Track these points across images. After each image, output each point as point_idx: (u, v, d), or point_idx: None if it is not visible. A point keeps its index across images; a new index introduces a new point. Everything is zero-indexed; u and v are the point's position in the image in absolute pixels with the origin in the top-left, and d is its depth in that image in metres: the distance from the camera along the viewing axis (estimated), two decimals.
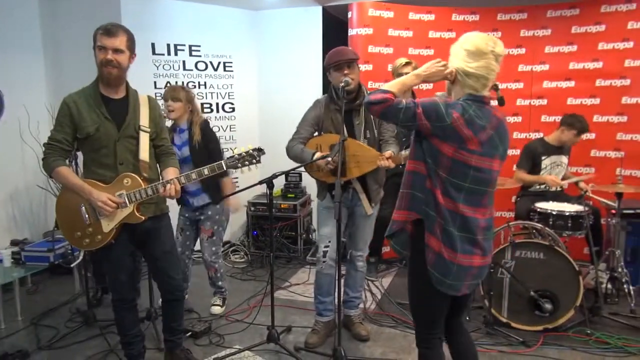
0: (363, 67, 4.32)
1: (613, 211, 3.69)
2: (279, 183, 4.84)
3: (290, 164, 2.98)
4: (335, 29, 5.07)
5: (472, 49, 1.85)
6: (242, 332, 3.25)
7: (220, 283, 3.57)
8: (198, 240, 3.53)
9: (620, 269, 3.59)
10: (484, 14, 4.63)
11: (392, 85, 1.93)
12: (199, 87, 4.84)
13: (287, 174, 3.87)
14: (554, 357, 2.87)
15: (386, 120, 1.95)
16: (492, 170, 1.89)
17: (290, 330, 3.25)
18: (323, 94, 4.87)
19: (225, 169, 2.47)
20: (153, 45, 4.58)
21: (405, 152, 2.82)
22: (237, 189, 3.27)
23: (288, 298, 3.82)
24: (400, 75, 3.97)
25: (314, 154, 2.86)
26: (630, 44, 4.22)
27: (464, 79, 1.87)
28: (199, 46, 4.82)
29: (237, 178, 4.90)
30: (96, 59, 2.36)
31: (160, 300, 2.75)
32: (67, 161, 2.47)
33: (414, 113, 1.82)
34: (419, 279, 1.98)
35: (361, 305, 3.35)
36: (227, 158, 2.50)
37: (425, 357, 2.06)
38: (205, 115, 4.55)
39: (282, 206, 4.68)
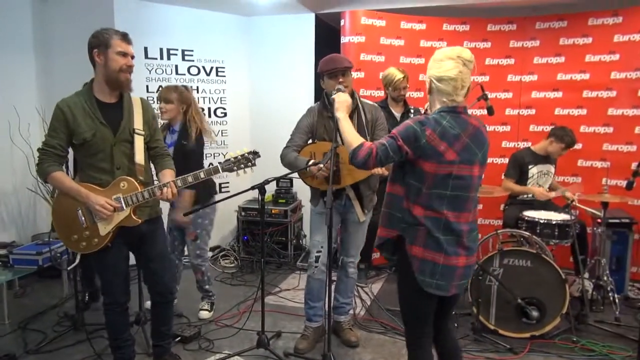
0: (355, 75, 4.36)
1: (599, 220, 3.76)
2: (270, 188, 4.81)
3: (282, 169, 2.99)
4: (327, 36, 5.12)
5: (440, 56, 1.99)
6: (232, 337, 3.25)
7: (207, 287, 3.56)
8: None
9: (605, 278, 3.65)
10: (474, 24, 4.71)
11: (354, 136, 2.10)
12: (192, 92, 4.83)
13: (278, 179, 3.90)
14: None
15: (386, 164, 2.05)
16: (473, 176, 1.99)
17: (280, 335, 3.26)
18: (315, 100, 4.95)
19: (221, 171, 2.49)
20: (146, 49, 4.58)
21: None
22: (228, 195, 3.27)
23: (278, 303, 3.83)
24: (399, 89, 4.01)
25: (308, 162, 2.88)
26: (616, 57, 4.31)
27: (437, 85, 1.97)
28: (192, 51, 4.83)
29: (228, 183, 4.92)
30: (112, 63, 2.35)
31: (149, 303, 2.75)
32: (62, 166, 2.47)
33: (397, 146, 1.93)
34: (407, 284, 2.05)
35: (351, 312, 3.37)
36: (224, 161, 2.52)
37: (416, 358, 2.12)
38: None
39: (273, 211, 4.69)
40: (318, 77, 4.45)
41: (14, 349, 3.04)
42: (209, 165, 2.55)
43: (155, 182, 2.56)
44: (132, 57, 2.43)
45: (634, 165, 3.50)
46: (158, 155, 2.63)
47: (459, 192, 1.96)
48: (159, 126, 2.73)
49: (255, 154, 2.53)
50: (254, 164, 2.53)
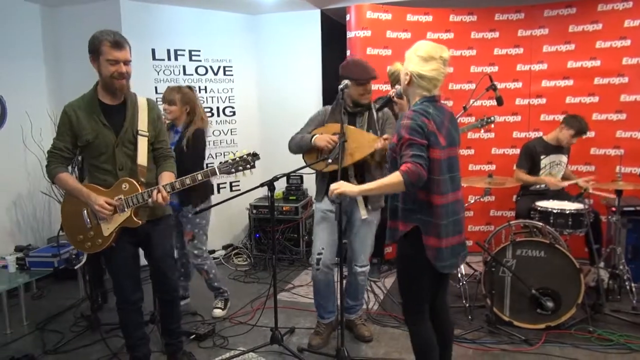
0: None
1: (613, 209, 3.71)
2: (281, 185, 4.86)
3: (292, 166, 3.00)
4: (333, 32, 5.11)
5: (424, 55, 2.08)
6: (246, 334, 3.27)
7: (216, 284, 3.57)
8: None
9: (621, 267, 3.60)
10: (482, 14, 4.66)
11: (387, 180, 2.01)
12: (200, 92, 4.86)
13: (288, 176, 3.91)
14: (557, 354, 2.88)
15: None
16: (457, 157, 2.20)
17: (294, 331, 3.27)
18: (323, 95, 4.95)
19: (218, 174, 2.49)
20: (153, 50, 4.62)
21: None
22: (238, 192, 3.29)
23: (291, 300, 3.84)
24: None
25: (313, 135, 2.88)
26: (627, 42, 4.24)
27: (418, 81, 2.10)
28: (199, 51, 4.86)
29: (238, 181, 4.94)
30: (104, 70, 2.36)
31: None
32: (68, 168, 2.52)
33: (420, 144, 1.99)
34: (416, 268, 2.16)
35: (363, 307, 3.37)
36: (220, 163, 2.52)
37: (419, 333, 2.25)
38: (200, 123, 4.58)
39: (284, 208, 4.70)
40: (325, 73, 4.47)
41: (32, 350, 3.09)
42: (207, 167, 2.55)
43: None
44: (127, 62, 2.38)
45: None
46: (161, 156, 2.64)
47: (454, 172, 2.15)
48: (165, 127, 2.74)
49: (255, 155, 2.53)
50: (253, 166, 2.53)
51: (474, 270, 4.00)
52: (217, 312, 3.54)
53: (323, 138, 2.85)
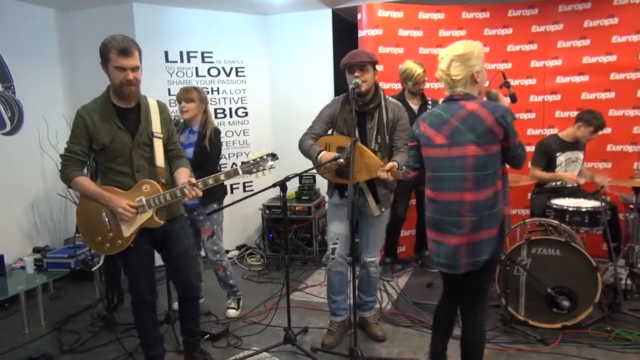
0: None
1: (631, 206, 3.64)
2: (293, 185, 4.88)
3: (304, 166, 3.00)
4: (345, 31, 5.10)
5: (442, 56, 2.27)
6: (259, 333, 3.28)
7: (231, 282, 3.59)
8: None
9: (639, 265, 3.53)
10: (495, 11, 4.61)
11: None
12: (212, 93, 4.90)
13: (300, 176, 3.92)
14: (573, 354, 2.84)
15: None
16: (466, 156, 2.14)
17: (307, 331, 3.28)
18: (335, 95, 4.92)
19: (241, 174, 2.51)
20: (166, 53, 4.66)
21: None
22: (251, 193, 3.30)
23: (304, 300, 3.85)
24: (419, 83, 3.98)
25: (320, 152, 2.88)
26: None
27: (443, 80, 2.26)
28: (211, 52, 4.89)
29: (251, 182, 4.97)
30: (112, 77, 2.38)
31: (177, 303, 2.80)
32: (84, 170, 2.54)
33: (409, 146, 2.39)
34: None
35: (377, 306, 3.36)
36: (242, 163, 2.55)
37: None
38: (217, 121, 4.63)
39: (296, 208, 4.71)
40: (337, 73, 4.47)
41: (50, 350, 3.14)
42: (232, 166, 2.57)
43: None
44: (135, 69, 2.38)
45: None
46: (175, 157, 2.67)
47: (456, 172, 2.17)
48: (175, 128, 2.77)
49: (274, 156, 2.54)
50: (272, 167, 2.54)
51: None
52: (231, 312, 3.56)
53: (327, 157, 2.84)
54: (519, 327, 3.11)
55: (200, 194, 2.48)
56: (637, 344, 2.90)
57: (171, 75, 4.71)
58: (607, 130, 4.20)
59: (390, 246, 4.28)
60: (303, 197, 4.84)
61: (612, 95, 4.33)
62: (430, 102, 4.12)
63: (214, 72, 4.92)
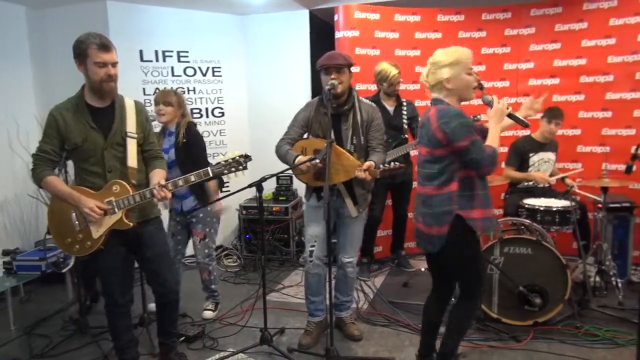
0: None
1: (599, 205, 3.75)
2: (270, 186, 4.87)
3: (281, 167, 3.01)
4: (322, 32, 5.11)
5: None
6: (236, 335, 3.26)
7: (213, 286, 3.57)
8: (190, 244, 3.54)
9: (607, 262, 3.64)
10: (469, 14, 4.69)
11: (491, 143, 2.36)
12: (188, 93, 4.86)
13: (278, 176, 3.91)
14: (544, 350, 2.91)
15: None
16: (421, 155, 2.42)
17: (284, 331, 3.27)
18: (312, 96, 4.95)
19: (211, 175, 2.49)
20: (141, 52, 4.60)
21: (392, 165, 2.84)
22: (227, 193, 3.29)
23: (281, 300, 3.84)
24: (394, 84, 4.01)
25: (296, 157, 2.89)
26: (612, 41, 4.28)
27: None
28: (187, 52, 4.84)
29: (228, 182, 4.93)
30: (92, 73, 2.34)
31: (154, 305, 2.76)
32: (55, 170, 2.50)
33: None
34: None
35: (353, 306, 3.38)
36: (214, 165, 2.52)
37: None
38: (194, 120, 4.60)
39: (273, 209, 4.70)
40: (314, 73, 4.49)
41: (20, 355, 3.07)
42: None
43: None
44: (115, 65, 2.37)
45: (633, 149, 3.48)
46: (151, 157, 2.64)
47: (420, 168, 2.45)
48: (153, 129, 2.73)
49: (247, 157, 2.52)
50: (245, 168, 2.53)
51: None
52: (208, 314, 3.53)
53: (313, 163, 2.83)
54: (492, 324, 3.16)
55: (169, 195, 2.44)
56: (605, 340, 2.99)
57: (146, 74, 4.65)
58: (577, 132, 4.32)
59: (366, 246, 4.31)
60: (280, 198, 4.83)
61: (581, 97, 4.45)
62: (405, 104, 4.16)
63: (190, 71, 4.88)
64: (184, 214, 3.40)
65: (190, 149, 3.29)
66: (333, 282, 3.10)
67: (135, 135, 2.52)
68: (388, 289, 3.98)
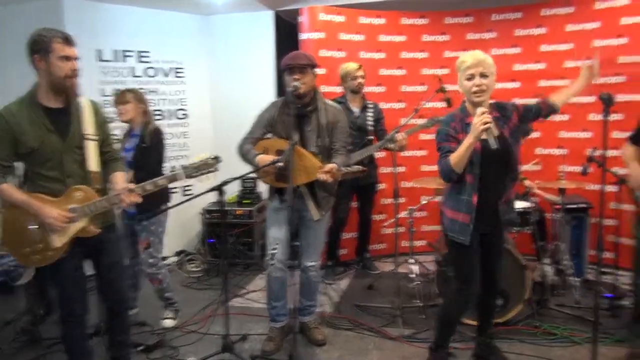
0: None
1: (557, 206, 3.84)
2: (235, 189, 4.80)
3: (245, 169, 2.96)
4: (287, 33, 5.08)
5: None
6: (197, 343, 3.19)
7: (168, 294, 3.46)
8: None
9: (565, 262, 3.73)
10: (433, 17, 4.75)
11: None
12: (150, 94, 4.73)
13: (241, 178, 3.85)
14: (505, 350, 2.94)
15: None
16: None
17: (246, 338, 3.21)
18: (277, 98, 4.89)
19: (184, 178, 2.42)
20: (99, 51, 4.45)
21: (355, 168, 2.82)
22: (189, 197, 3.21)
23: (244, 305, 3.78)
24: (356, 77, 4.02)
25: (257, 155, 2.87)
26: (569, 46, 4.41)
27: None
28: (148, 52, 4.72)
29: (191, 185, 4.83)
30: (56, 69, 2.22)
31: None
32: (8, 177, 2.32)
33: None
34: None
35: (317, 310, 3.35)
36: (184, 167, 2.45)
37: None
38: (157, 123, 4.50)
39: (237, 212, 4.63)
40: (279, 74, 4.45)
41: None
42: (171, 170, 2.48)
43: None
44: (76, 59, 2.29)
45: (588, 151, 3.57)
46: (110, 159, 2.53)
47: None
48: (110, 129, 2.63)
49: (216, 159, 2.47)
50: (216, 169, 2.47)
51: (427, 270, 4.05)
52: (167, 322, 3.43)
53: (264, 160, 2.83)
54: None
55: (139, 199, 2.36)
56: (563, 338, 3.05)
57: (105, 75, 4.50)
58: (536, 134, 4.42)
59: (331, 249, 4.30)
60: (244, 201, 4.76)
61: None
62: (371, 106, 4.17)
63: (151, 72, 4.76)
64: (130, 218, 3.28)
65: (150, 155, 3.21)
66: (297, 286, 3.08)
67: (95, 137, 2.40)
68: (353, 292, 3.97)
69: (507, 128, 2.50)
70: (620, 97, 3.94)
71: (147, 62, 4.72)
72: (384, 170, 4.51)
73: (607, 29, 4.22)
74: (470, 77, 2.41)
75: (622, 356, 2.81)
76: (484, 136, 2.29)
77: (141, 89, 4.53)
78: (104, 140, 2.49)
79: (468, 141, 2.31)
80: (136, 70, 4.67)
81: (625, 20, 4.12)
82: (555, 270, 3.73)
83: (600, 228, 2.48)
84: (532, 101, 2.64)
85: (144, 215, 3.20)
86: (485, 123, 2.25)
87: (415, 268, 3.76)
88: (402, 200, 4.55)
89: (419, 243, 4.62)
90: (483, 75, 2.41)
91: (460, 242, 2.49)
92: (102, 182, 2.45)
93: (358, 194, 4.32)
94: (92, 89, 4.35)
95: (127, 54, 4.61)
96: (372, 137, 4.13)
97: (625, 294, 3.47)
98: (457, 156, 2.34)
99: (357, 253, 4.61)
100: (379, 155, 4.42)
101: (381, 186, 4.58)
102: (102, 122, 2.48)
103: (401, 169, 4.38)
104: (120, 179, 2.45)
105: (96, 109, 2.46)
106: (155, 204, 3.23)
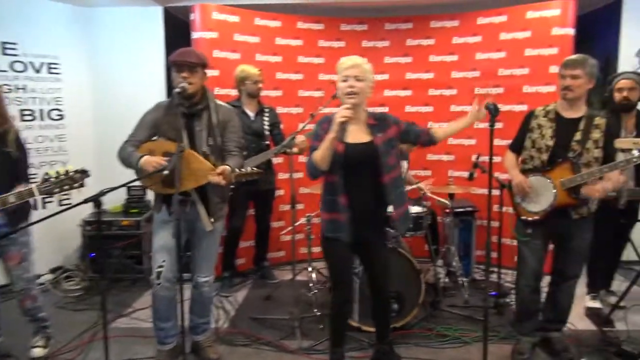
0: (209, 73, 4.10)
1: (447, 210, 4.01)
2: (120, 197, 4.39)
3: (130, 176, 2.68)
4: (178, 30, 4.78)
5: None
6: None
7: (42, 315, 3.04)
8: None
9: (455, 263, 3.90)
10: (328, 23, 4.76)
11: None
12: (17, 92, 4.18)
13: (127, 187, 3.52)
14: (402, 355, 2.96)
15: None
16: None
17: None
18: (168, 97, 4.58)
19: (38, 195, 2.10)
20: None
21: (250, 170, 2.68)
22: (64, 207, 2.83)
23: (130, 326, 3.44)
24: (257, 82, 3.89)
25: (140, 157, 2.61)
26: (455, 57, 4.65)
27: None
28: (15, 44, 4.16)
29: (67, 193, 4.33)
30: None
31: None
32: None
33: None
34: None
35: (212, 326, 3.14)
36: (41, 182, 2.13)
37: None
38: (25, 125, 4.00)
39: (123, 223, 4.23)
40: (170, 74, 4.16)
41: None
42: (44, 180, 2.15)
43: None
44: None
45: (474, 157, 3.77)
46: None
47: None
48: None
49: (83, 172, 2.19)
50: (81, 185, 2.19)
51: (324, 277, 4.01)
52: (37, 352, 2.99)
53: (150, 162, 2.58)
54: (352, 333, 3.14)
55: None
56: (454, 339, 3.16)
57: None
58: None
59: (228, 259, 4.10)
60: (131, 211, 4.38)
61: (430, 109, 4.76)
62: (267, 110, 4.05)
63: (19, 67, 4.19)
64: None
65: (19, 162, 2.81)
66: (187, 304, 2.85)
67: None
68: (250, 303, 3.80)
69: (382, 137, 2.57)
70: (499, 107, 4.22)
71: (13, 54, 4.16)
72: (281, 176, 4.41)
73: (487, 43, 4.52)
74: (345, 79, 2.50)
75: (509, 354, 2.96)
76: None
77: (6, 85, 4.06)
78: None
79: (329, 136, 2.41)
80: (0, 64, 4.09)
81: (504, 36, 4.45)
82: (447, 271, 3.87)
83: (489, 230, 2.56)
84: (416, 127, 2.76)
85: (19, 228, 2.76)
86: (343, 117, 2.36)
87: (313, 276, 3.69)
88: (300, 206, 4.50)
89: (317, 249, 4.57)
90: (357, 79, 2.50)
91: (334, 237, 2.53)
92: None
93: (255, 200, 4.17)
94: None
95: None
96: (268, 142, 4.01)
97: (508, 292, 3.69)
98: (320, 151, 2.44)
99: (255, 262, 4.45)
100: (276, 160, 4.31)
101: (279, 192, 4.48)
102: None
103: (298, 175, 4.30)
104: None
105: None
106: (25, 214, 2.86)
